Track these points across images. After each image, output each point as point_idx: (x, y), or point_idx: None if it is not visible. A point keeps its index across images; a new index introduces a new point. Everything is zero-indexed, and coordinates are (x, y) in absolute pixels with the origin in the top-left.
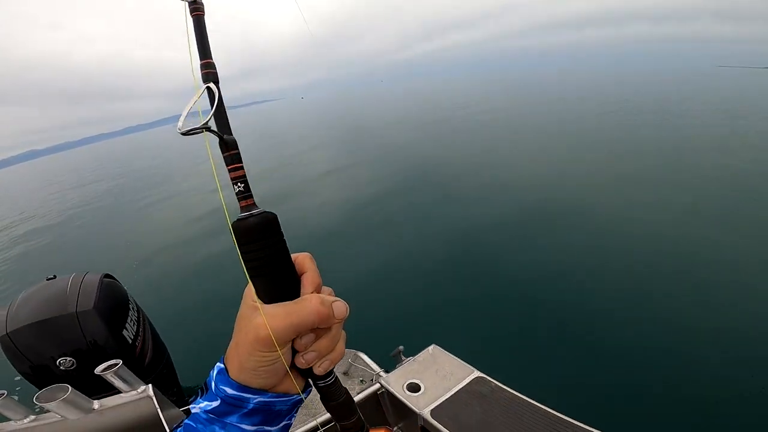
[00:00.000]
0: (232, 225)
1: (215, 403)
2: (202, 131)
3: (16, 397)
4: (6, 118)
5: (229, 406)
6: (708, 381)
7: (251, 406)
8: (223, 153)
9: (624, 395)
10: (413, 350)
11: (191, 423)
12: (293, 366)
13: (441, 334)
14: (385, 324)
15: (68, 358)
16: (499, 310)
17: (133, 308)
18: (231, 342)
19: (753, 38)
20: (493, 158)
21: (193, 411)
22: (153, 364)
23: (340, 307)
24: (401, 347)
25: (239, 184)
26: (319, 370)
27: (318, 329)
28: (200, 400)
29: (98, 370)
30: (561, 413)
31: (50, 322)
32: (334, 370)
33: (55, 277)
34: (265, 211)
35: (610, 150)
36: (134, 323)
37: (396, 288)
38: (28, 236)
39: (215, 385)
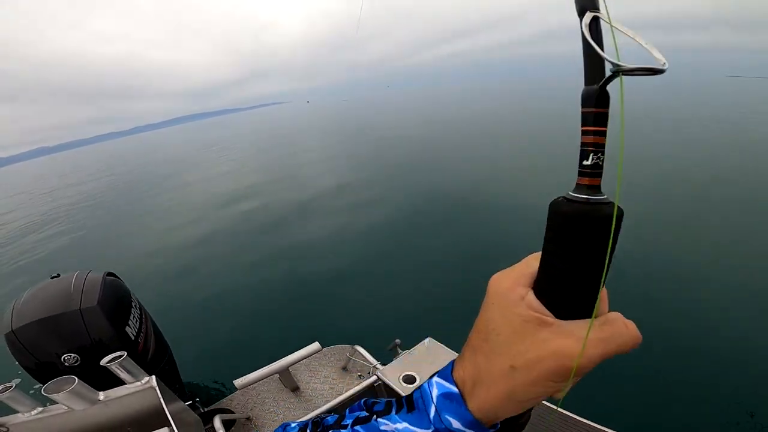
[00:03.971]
0: (552, 203)
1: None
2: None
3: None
4: (18, 115)
5: None
6: None
7: None
8: (586, 107)
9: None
10: (410, 343)
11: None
12: None
13: (437, 327)
14: (382, 318)
15: (73, 355)
16: None
17: (135, 306)
18: (475, 359)
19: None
20: (487, 164)
21: (381, 427)
22: (155, 360)
23: (635, 330)
24: (398, 340)
25: (594, 155)
26: (558, 395)
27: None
28: (397, 417)
29: (104, 361)
30: (554, 405)
31: (55, 319)
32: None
33: (59, 275)
34: (610, 202)
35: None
36: (137, 320)
37: (393, 282)
38: (34, 232)
39: (437, 412)
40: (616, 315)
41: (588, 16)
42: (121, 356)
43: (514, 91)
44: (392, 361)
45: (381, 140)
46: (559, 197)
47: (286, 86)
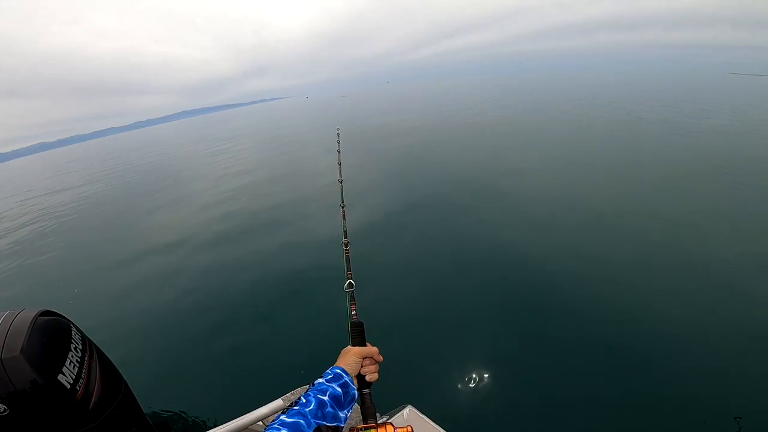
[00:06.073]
0: (351, 321)
1: (331, 375)
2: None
3: None
4: (18, 110)
5: (336, 376)
6: None
7: (343, 380)
8: (349, 301)
9: None
10: (386, 408)
11: (316, 388)
12: (358, 375)
13: (419, 393)
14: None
15: (0, 405)
16: (486, 362)
17: (75, 347)
18: (339, 359)
19: None
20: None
21: (318, 381)
22: (100, 408)
23: (380, 356)
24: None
25: (354, 310)
26: (368, 378)
27: (372, 359)
28: (322, 377)
29: None
30: None
31: None
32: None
33: None
34: (360, 321)
35: (616, 157)
36: (75, 365)
37: (372, 336)
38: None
39: (332, 369)
40: (373, 347)
41: None
42: None
43: (513, 88)
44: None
45: (376, 140)
46: (351, 321)
47: (287, 82)
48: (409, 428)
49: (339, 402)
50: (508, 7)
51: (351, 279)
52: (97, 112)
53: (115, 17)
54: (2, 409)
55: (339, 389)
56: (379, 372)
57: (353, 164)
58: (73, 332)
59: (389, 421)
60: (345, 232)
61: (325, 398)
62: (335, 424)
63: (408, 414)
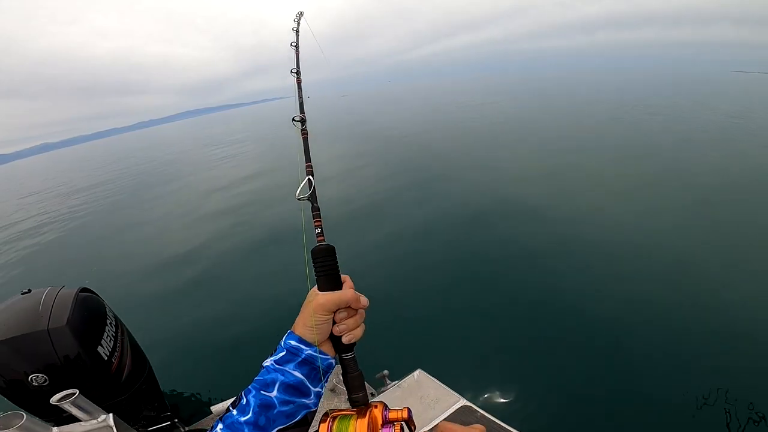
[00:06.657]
0: (313, 248)
1: (282, 354)
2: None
3: None
4: (20, 111)
5: (290, 354)
6: None
7: (303, 356)
8: (312, 211)
9: None
10: (399, 373)
11: (259, 378)
12: (330, 336)
13: (428, 356)
14: (372, 344)
15: (41, 375)
16: (491, 331)
17: (110, 323)
18: (298, 317)
19: None
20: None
21: (265, 364)
22: (132, 380)
23: (364, 299)
24: (386, 372)
25: (318, 228)
26: (345, 339)
27: (350, 309)
28: (270, 357)
29: (54, 399)
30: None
31: (21, 338)
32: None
33: (29, 291)
34: (329, 244)
35: (615, 156)
36: (111, 339)
37: (384, 306)
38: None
39: (284, 341)
40: (349, 288)
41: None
42: (72, 394)
43: (514, 87)
44: (379, 393)
45: (375, 139)
46: (313, 247)
47: (287, 81)
48: (406, 411)
49: (299, 390)
50: (509, 6)
51: (311, 176)
52: (97, 112)
53: (115, 17)
54: (42, 380)
55: (297, 374)
56: (365, 322)
57: (352, 167)
58: (107, 309)
59: (382, 400)
60: (301, 104)
61: (272, 395)
62: (301, 415)
63: (418, 376)
